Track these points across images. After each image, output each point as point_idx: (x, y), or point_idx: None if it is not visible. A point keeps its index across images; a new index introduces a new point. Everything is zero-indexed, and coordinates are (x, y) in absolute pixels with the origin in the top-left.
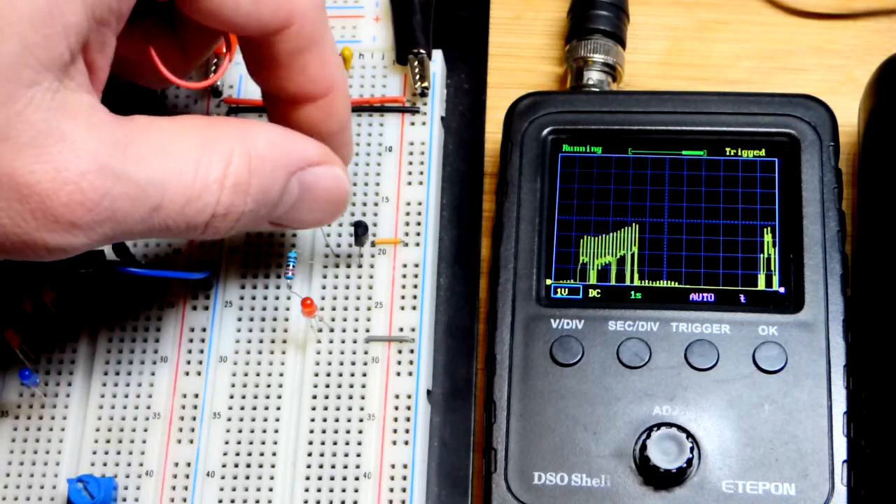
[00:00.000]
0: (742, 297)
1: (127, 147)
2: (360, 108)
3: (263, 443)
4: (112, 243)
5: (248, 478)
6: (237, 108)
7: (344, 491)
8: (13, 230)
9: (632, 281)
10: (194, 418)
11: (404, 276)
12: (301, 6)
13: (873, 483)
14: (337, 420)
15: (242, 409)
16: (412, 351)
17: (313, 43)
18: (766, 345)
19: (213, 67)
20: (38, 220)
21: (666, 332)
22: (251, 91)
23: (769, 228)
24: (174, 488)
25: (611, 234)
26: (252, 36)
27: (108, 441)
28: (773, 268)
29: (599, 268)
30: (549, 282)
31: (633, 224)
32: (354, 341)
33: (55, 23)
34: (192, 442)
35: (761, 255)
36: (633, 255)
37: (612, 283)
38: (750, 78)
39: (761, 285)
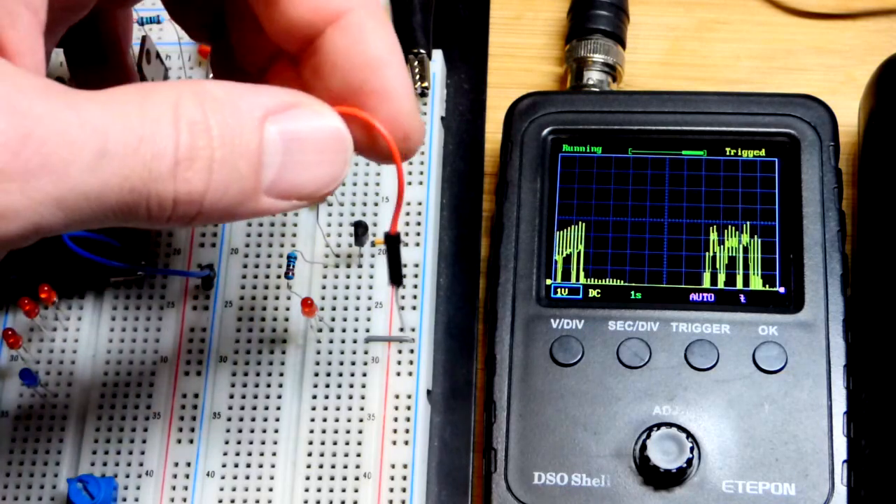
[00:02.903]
0: (742, 297)
1: (51, 92)
2: None
3: (263, 443)
4: (72, 216)
5: (248, 478)
6: None
7: (344, 491)
8: None
9: (632, 281)
10: (194, 418)
11: (404, 276)
12: None
13: (873, 483)
14: (337, 420)
15: (242, 409)
16: (412, 351)
17: None
18: (766, 345)
19: None
20: None
21: (666, 332)
22: None
23: (769, 228)
24: (174, 488)
25: (610, 234)
26: None
27: (108, 441)
28: (772, 268)
29: (600, 267)
30: (549, 282)
31: (634, 224)
32: (354, 341)
33: None
34: (192, 442)
35: (761, 255)
36: (633, 255)
37: (612, 282)
38: (750, 78)
39: (761, 285)
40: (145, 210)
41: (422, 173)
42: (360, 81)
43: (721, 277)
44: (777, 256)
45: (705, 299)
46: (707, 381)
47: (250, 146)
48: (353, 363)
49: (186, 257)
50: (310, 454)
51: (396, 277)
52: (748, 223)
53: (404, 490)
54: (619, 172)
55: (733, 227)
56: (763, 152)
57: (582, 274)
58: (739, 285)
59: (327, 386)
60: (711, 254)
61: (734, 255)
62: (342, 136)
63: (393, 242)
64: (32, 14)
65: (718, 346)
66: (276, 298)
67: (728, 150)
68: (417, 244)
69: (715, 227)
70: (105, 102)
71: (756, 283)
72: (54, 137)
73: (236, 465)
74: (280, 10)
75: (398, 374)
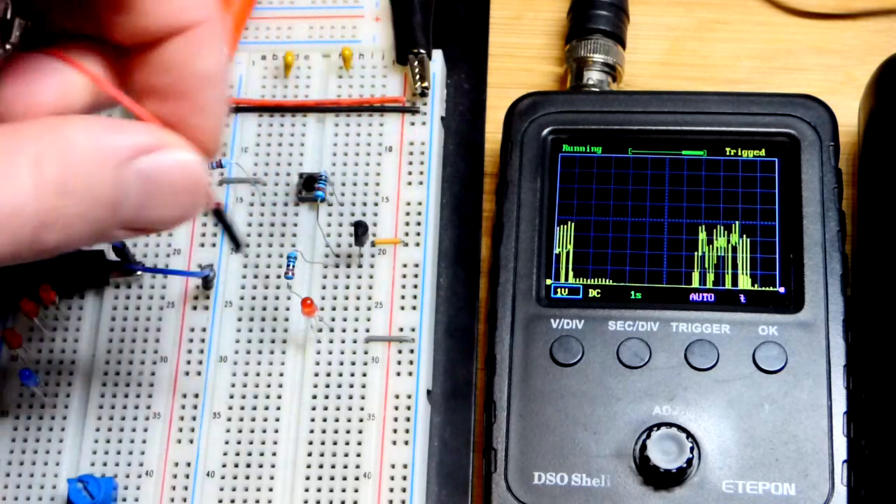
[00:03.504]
0: (742, 297)
1: None
2: (360, 108)
3: (263, 443)
4: None
5: (248, 478)
6: (237, 109)
7: (344, 491)
8: None
9: (632, 281)
10: (194, 418)
11: (404, 276)
12: None
13: (873, 483)
14: (337, 420)
15: (242, 409)
16: (412, 351)
17: None
18: (766, 345)
19: None
20: None
21: (666, 332)
22: (251, 91)
23: (769, 228)
24: (174, 488)
25: (610, 234)
26: None
27: (108, 441)
28: (772, 268)
29: (599, 267)
30: (549, 282)
31: (634, 224)
32: (354, 341)
33: None
34: (192, 442)
35: (761, 255)
36: (633, 255)
37: (612, 282)
38: (750, 78)
39: (761, 285)
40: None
41: (422, 173)
42: (185, 90)
43: (721, 277)
44: (777, 256)
45: (705, 299)
46: (707, 381)
47: (108, 194)
48: (353, 363)
49: (186, 257)
50: (310, 454)
51: (236, 243)
52: (748, 223)
53: (404, 490)
54: (619, 172)
55: (733, 227)
56: (763, 152)
57: (582, 274)
58: (739, 285)
59: (327, 386)
60: (711, 254)
61: (734, 255)
62: (200, 180)
63: (219, 214)
64: None
65: (718, 346)
66: (276, 298)
67: (728, 150)
68: (417, 244)
69: (715, 227)
70: None
71: (756, 283)
72: None
73: (236, 465)
74: (131, 18)
75: (398, 374)
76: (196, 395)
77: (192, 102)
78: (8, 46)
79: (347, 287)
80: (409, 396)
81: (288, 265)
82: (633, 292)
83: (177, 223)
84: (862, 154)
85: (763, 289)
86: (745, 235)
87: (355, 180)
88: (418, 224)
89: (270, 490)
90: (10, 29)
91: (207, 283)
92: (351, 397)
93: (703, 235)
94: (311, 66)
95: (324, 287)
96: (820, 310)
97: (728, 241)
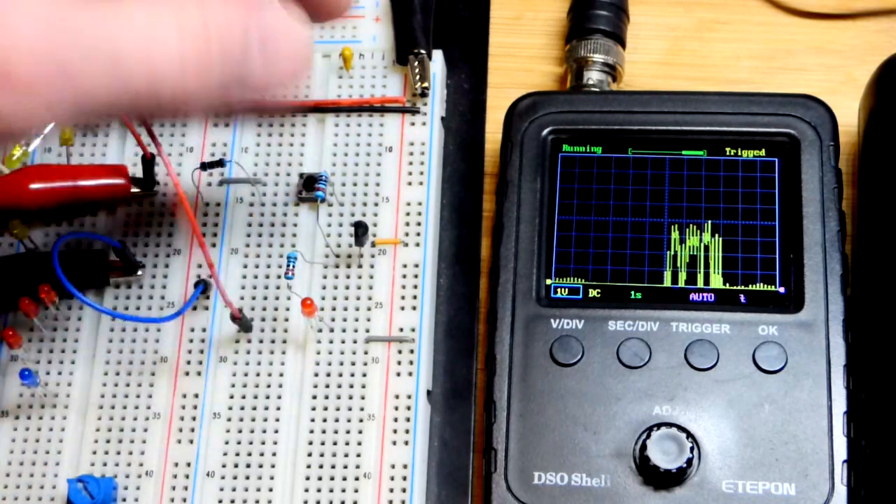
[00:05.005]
0: (742, 297)
1: (78, 6)
2: (360, 108)
3: (263, 443)
4: (84, 118)
5: (248, 478)
6: None
7: (344, 491)
8: None
9: (632, 281)
10: (194, 418)
11: (404, 276)
12: None
13: (873, 483)
14: (337, 420)
15: (242, 409)
16: (412, 351)
17: None
18: (766, 345)
19: None
20: None
21: (666, 332)
22: None
23: (769, 228)
24: (174, 488)
25: (610, 234)
26: None
27: (108, 441)
28: (772, 268)
29: (600, 267)
30: (549, 282)
31: (634, 224)
32: (354, 341)
33: None
34: (192, 442)
35: (761, 255)
36: (633, 255)
37: (612, 282)
38: (750, 78)
39: (761, 285)
40: (146, 108)
41: (422, 173)
42: None
43: (721, 277)
44: (777, 256)
45: (705, 299)
46: (707, 381)
47: (236, 46)
48: (353, 363)
49: (187, 258)
50: (310, 454)
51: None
52: (748, 223)
53: (404, 490)
54: (619, 172)
55: (733, 227)
56: (763, 152)
57: (582, 274)
58: (739, 285)
59: (327, 386)
60: (712, 254)
61: (734, 254)
62: (306, 40)
63: None
64: None
65: (718, 346)
66: (276, 298)
67: (728, 150)
68: (417, 244)
69: (715, 226)
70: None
71: (756, 283)
72: (76, 57)
73: (236, 465)
74: None
75: (398, 374)
76: (196, 395)
77: None
78: None
79: (347, 287)
80: (409, 396)
81: (288, 265)
82: (633, 292)
83: (282, 83)
84: (862, 154)
85: (763, 289)
86: (745, 235)
87: (355, 180)
88: (418, 224)
89: (270, 490)
90: None
91: (205, 282)
92: (351, 397)
93: (703, 235)
94: (311, 66)
95: (324, 287)
96: (820, 310)
97: (728, 241)
